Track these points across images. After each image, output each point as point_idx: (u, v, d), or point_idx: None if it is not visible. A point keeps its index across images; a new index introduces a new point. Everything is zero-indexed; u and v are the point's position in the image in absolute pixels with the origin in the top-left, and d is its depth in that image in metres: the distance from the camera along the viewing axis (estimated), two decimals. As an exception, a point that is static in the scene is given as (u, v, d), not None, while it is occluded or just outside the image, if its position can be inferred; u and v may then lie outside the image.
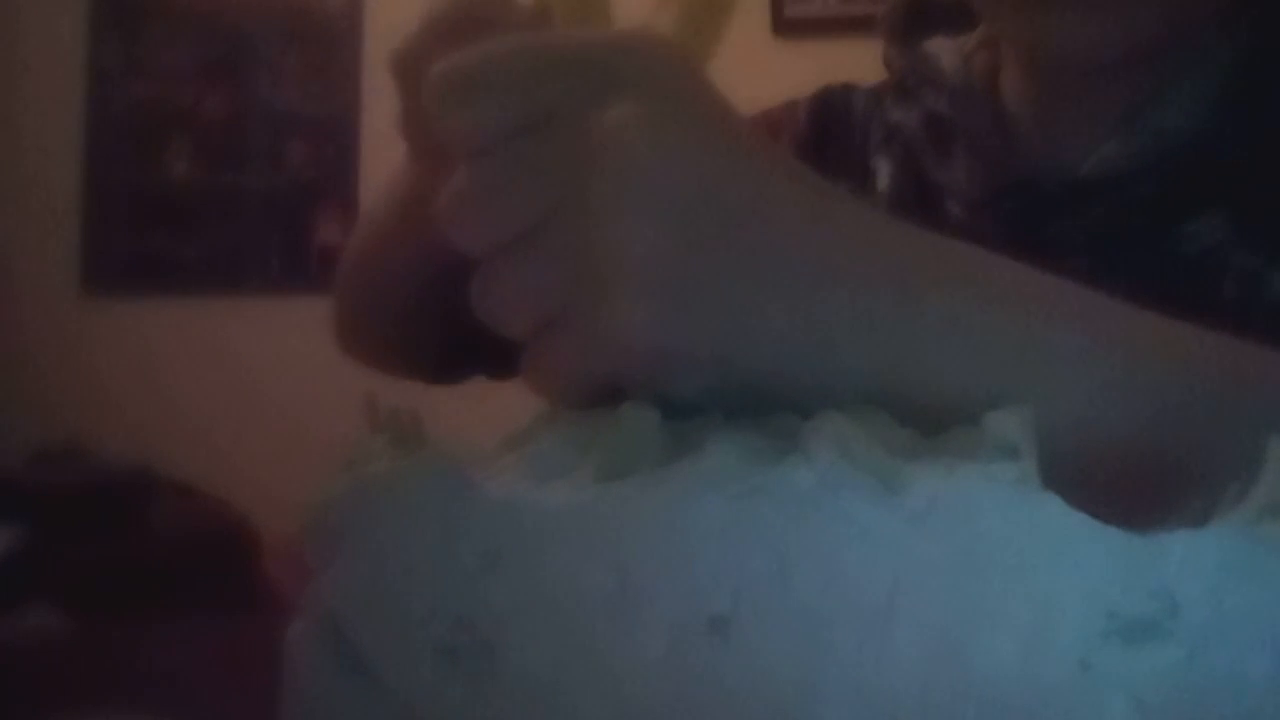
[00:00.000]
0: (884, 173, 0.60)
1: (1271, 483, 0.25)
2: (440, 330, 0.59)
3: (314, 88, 2.66)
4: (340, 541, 0.27)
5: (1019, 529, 0.24)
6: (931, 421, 0.27)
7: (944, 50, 0.60)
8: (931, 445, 0.27)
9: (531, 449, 0.28)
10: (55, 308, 2.55)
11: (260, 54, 2.66)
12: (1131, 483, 0.28)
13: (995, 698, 0.24)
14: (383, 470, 0.27)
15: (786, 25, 2.45)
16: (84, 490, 2.11)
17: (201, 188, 2.66)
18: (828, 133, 0.65)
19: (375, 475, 0.27)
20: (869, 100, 0.64)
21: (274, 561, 2.01)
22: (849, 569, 0.24)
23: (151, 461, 2.22)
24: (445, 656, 0.26)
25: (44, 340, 2.51)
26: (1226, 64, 0.52)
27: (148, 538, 2.09)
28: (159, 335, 2.54)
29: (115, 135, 2.61)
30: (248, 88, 2.66)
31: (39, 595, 1.88)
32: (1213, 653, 0.24)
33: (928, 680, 0.24)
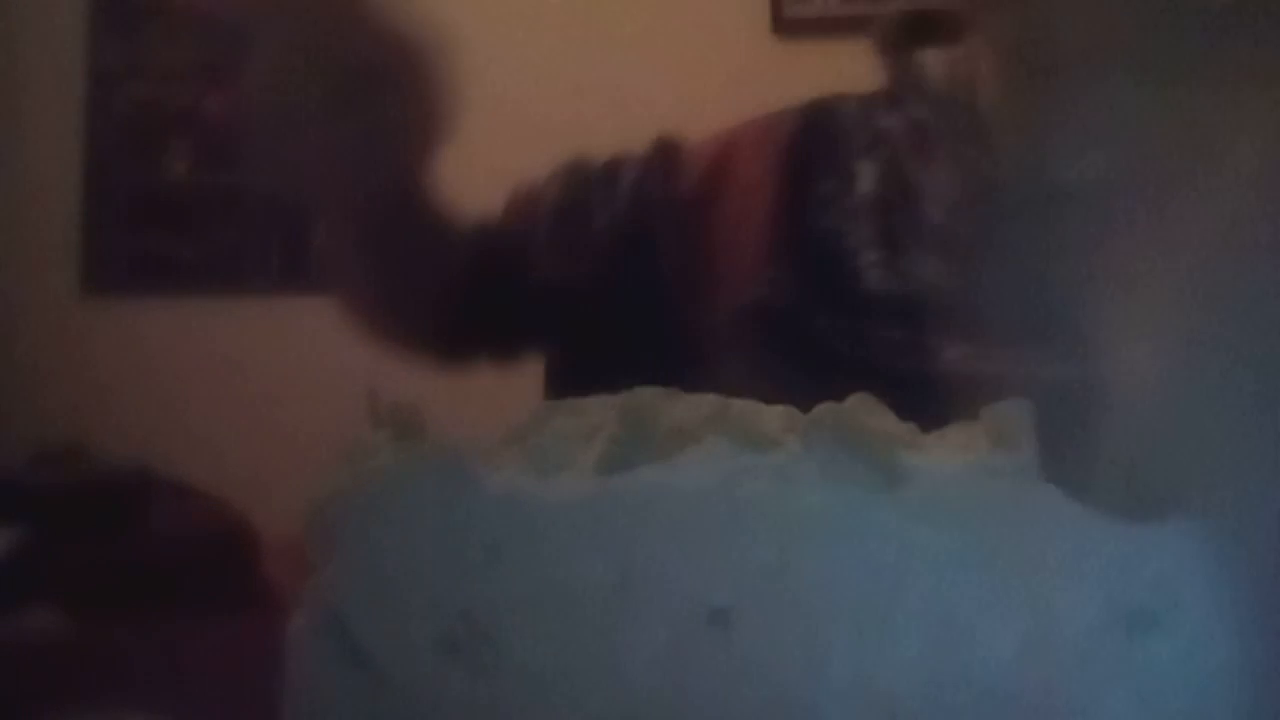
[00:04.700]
0: (866, 175, 0.63)
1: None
2: (452, 317, 0.67)
3: (314, 88, 2.65)
4: (342, 536, 0.27)
5: (1019, 521, 0.24)
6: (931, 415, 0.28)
7: (933, 61, 0.63)
8: (932, 438, 0.27)
9: (532, 442, 0.28)
10: (55, 308, 2.55)
11: (260, 54, 2.65)
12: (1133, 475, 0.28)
13: (995, 688, 0.24)
14: (384, 464, 0.27)
15: (786, 25, 2.45)
16: (84, 490, 2.10)
17: (201, 188, 2.65)
18: (814, 138, 0.69)
19: (377, 469, 0.27)
20: (861, 105, 0.68)
21: (274, 561, 2.01)
22: (849, 561, 0.25)
23: (151, 461, 2.21)
24: (447, 649, 0.26)
25: (44, 340, 2.50)
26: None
27: (148, 538, 2.08)
28: (159, 335, 2.54)
29: (115, 135, 2.61)
30: (248, 88, 2.66)
31: (39, 595, 1.88)
32: (1212, 644, 0.24)
33: (928, 671, 0.24)
